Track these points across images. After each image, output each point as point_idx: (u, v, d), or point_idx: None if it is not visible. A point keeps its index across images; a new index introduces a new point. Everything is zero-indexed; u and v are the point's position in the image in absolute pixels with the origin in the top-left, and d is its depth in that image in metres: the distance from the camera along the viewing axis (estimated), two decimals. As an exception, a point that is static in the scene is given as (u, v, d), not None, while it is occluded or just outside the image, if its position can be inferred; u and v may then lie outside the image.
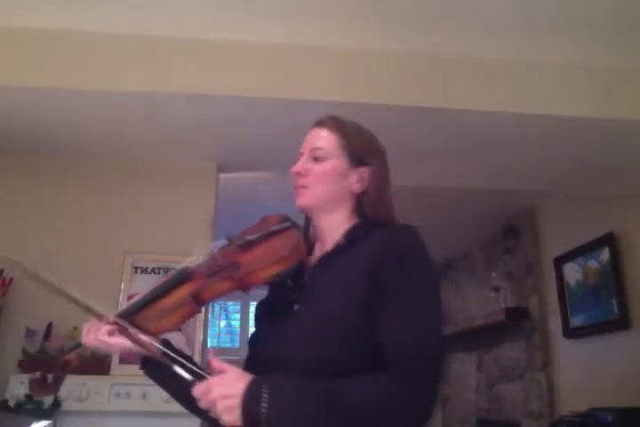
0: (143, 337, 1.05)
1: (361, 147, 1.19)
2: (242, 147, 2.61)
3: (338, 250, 1.10)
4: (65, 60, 2.10)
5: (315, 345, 1.00)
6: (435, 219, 4.27)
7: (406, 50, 2.22)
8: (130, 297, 2.43)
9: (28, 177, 2.61)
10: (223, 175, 2.83)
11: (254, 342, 1.16)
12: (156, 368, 1.10)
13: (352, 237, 1.10)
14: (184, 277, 1.09)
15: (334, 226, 1.14)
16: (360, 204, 1.16)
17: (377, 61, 2.23)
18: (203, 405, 0.94)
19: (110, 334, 1.07)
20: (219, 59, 2.16)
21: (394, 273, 1.01)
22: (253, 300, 5.98)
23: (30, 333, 2.29)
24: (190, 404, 1.02)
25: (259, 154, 2.63)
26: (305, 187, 1.13)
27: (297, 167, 1.15)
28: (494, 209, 4.11)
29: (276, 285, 1.15)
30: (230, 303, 6.07)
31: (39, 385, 1.11)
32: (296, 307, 1.08)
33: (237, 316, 6.01)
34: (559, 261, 3.68)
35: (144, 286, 2.46)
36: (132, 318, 1.08)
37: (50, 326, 2.31)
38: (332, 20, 2.08)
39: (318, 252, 1.16)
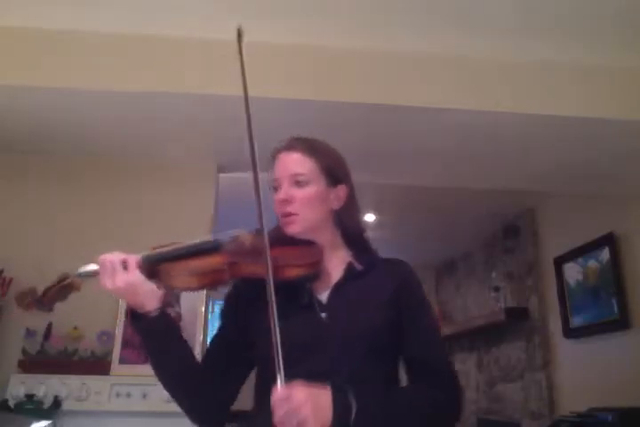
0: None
1: (335, 166, 1.25)
2: (242, 147, 2.59)
3: (357, 274, 1.21)
4: (64, 60, 2.10)
5: (357, 359, 1.11)
6: (435, 219, 4.27)
7: (405, 50, 2.22)
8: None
9: (28, 177, 2.61)
10: (223, 175, 2.83)
11: (256, 335, 1.16)
12: (151, 325, 1.12)
13: (369, 265, 1.22)
14: (214, 247, 1.15)
15: (329, 246, 1.22)
16: (339, 218, 1.25)
17: (377, 62, 2.23)
18: (283, 419, 0.96)
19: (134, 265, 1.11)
20: (218, 59, 2.16)
21: (416, 298, 1.21)
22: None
23: (30, 333, 2.29)
24: (179, 370, 1.13)
25: (259, 154, 2.63)
26: (294, 214, 1.19)
27: (282, 195, 1.20)
28: (494, 209, 4.11)
29: (286, 285, 1.17)
30: (230, 303, 6.08)
31: (30, 297, 1.18)
32: (323, 315, 1.15)
33: (237, 316, 6.02)
34: (559, 261, 3.68)
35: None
36: (157, 264, 1.12)
37: (50, 326, 2.31)
38: (334, 20, 2.08)
39: None
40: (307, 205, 1.19)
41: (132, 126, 2.41)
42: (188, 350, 1.17)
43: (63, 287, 1.17)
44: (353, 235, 1.26)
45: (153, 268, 1.13)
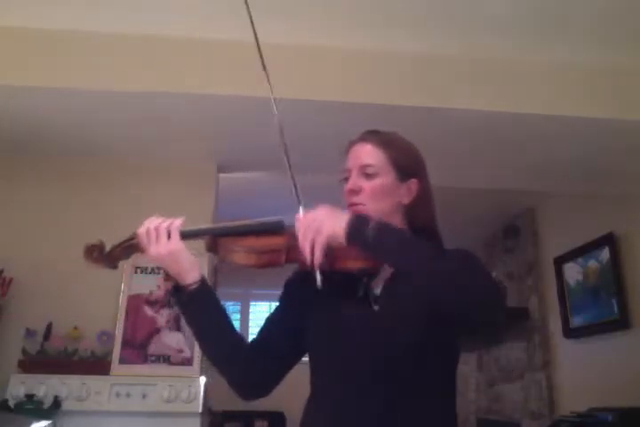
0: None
1: (407, 160, 1.25)
2: (242, 147, 2.60)
3: None
4: (64, 60, 2.10)
5: (412, 348, 1.10)
6: (435, 219, 4.26)
7: (405, 50, 2.22)
8: (130, 297, 2.42)
9: (28, 177, 2.61)
10: (223, 175, 2.83)
11: (319, 323, 1.18)
12: (192, 297, 1.14)
13: None
14: (278, 228, 1.16)
15: None
16: (409, 213, 1.24)
17: (377, 62, 2.23)
18: (304, 232, 1.02)
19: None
20: (219, 59, 2.16)
21: None
22: (254, 300, 5.97)
23: (30, 333, 2.29)
24: (221, 338, 1.16)
25: (259, 154, 2.63)
26: (360, 204, 1.19)
27: (350, 185, 1.21)
28: (494, 209, 4.11)
29: (346, 277, 1.18)
30: (230, 303, 6.08)
31: (99, 251, 1.15)
32: (376, 308, 1.15)
33: (237, 316, 6.02)
34: (559, 261, 3.68)
35: (144, 285, 2.47)
36: (218, 238, 1.14)
37: (50, 326, 2.30)
38: (336, 19, 2.08)
39: None
40: (373, 197, 1.19)
41: (132, 126, 2.41)
42: (229, 322, 1.20)
43: (130, 246, 1.18)
44: (422, 230, 1.24)
45: (214, 241, 1.14)
